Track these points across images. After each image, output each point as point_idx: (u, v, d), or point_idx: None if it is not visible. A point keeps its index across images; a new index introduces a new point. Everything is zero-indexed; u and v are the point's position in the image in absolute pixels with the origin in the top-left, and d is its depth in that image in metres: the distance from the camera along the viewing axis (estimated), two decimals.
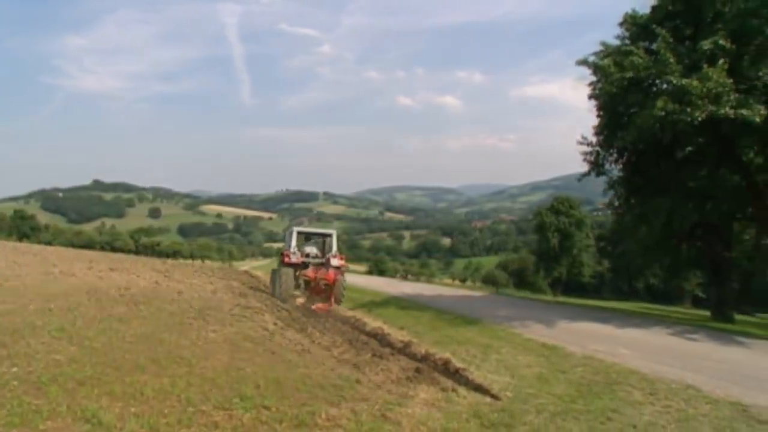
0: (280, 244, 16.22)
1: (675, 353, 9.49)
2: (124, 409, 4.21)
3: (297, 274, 15.78)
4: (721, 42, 12.13)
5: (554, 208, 55.77)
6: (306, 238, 17.98)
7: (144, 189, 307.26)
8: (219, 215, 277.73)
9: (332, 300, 14.99)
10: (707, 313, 22.59)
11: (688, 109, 11.84)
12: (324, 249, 17.01)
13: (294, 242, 16.11)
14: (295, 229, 17.33)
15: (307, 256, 16.28)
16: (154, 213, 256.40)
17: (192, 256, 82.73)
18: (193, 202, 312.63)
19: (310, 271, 15.28)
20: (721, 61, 11.95)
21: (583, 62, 16.02)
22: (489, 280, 60.49)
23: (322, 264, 15.72)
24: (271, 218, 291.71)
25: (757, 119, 11.65)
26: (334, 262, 15.54)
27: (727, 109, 11.62)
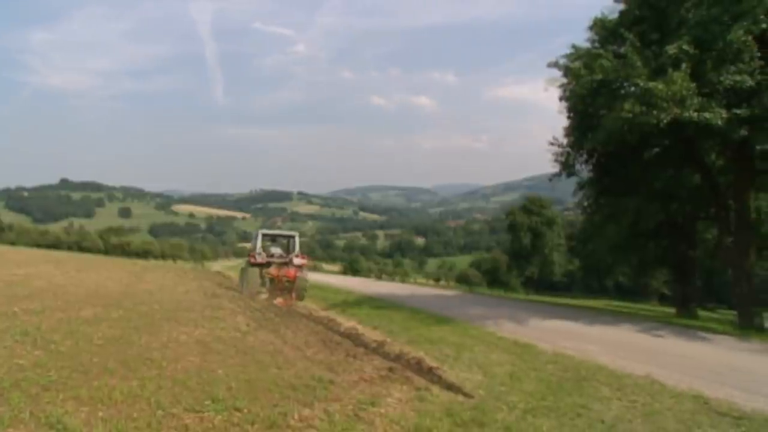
0: (261, 242, 17.51)
1: (641, 349, 9.76)
2: (90, 414, 4.12)
3: (262, 272, 17.09)
4: (685, 47, 12.51)
5: (526, 207, 56.76)
6: (272, 239, 19.71)
7: (114, 188, 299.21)
8: (191, 215, 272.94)
9: (293, 295, 16.40)
10: (673, 309, 23.30)
11: (654, 112, 12.17)
12: (288, 249, 18.68)
13: (259, 243, 17.59)
14: (261, 231, 18.75)
15: (272, 256, 17.63)
16: (125, 213, 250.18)
17: (163, 256, 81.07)
18: (165, 201, 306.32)
19: (273, 270, 16.77)
20: (684, 66, 12.32)
21: (554, 64, 16.34)
22: (462, 279, 61.15)
23: (285, 263, 17.15)
24: (244, 218, 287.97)
25: (719, 122, 12.06)
26: (296, 261, 17.19)
27: (691, 112, 11.99)
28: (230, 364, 6.20)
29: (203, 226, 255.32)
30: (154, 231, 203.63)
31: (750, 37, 12.25)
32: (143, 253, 75.26)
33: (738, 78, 12.11)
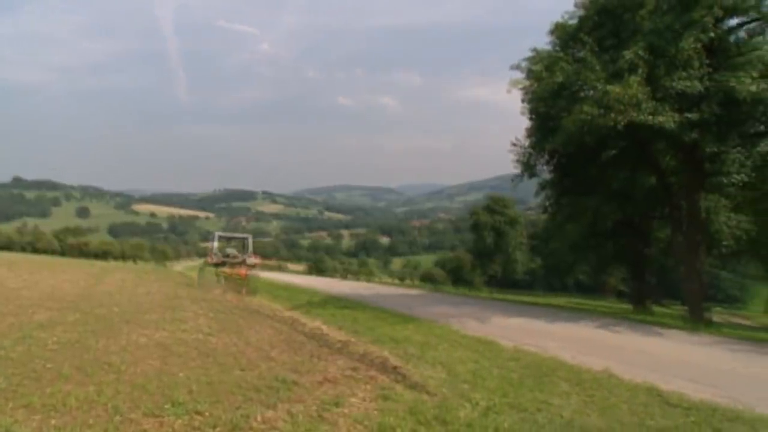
0: (218, 244, 19.19)
1: (599, 345, 10.08)
2: (42, 422, 3.97)
3: (218, 271, 18.81)
4: (641, 53, 13.00)
5: (489, 207, 57.70)
6: (227, 240, 22.10)
7: (71, 187, 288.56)
8: (153, 215, 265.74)
9: (244, 291, 17.53)
10: (629, 306, 24.13)
11: (611, 115, 12.59)
12: (243, 249, 20.54)
13: (216, 244, 19.77)
14: (217, 233, 20.94)
15: (227, 256, 19.54)
16: (83, 212, 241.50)
17: (124, 257, 78.69)
18: (126, 201, 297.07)
19: (227, 268, 18.65)
20: (640, 71, 12.79)
21: (517, 67, 16.70)
22: (427, 279, 61.61)
23: (239, 263, 18.94)
24: (208, 218, 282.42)
25: (671, 125, 12.58)
26: (249, 260, 19.19)
27: (645, 115, 12.46)
28: (192, 366, 6.09)
29: (165, 225, 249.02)
30: (114, 231, 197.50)
31: (699, 45, 12.83)
32: (102, 254, 72.92)
33: (688, 83, 12.66)
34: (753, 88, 12.29)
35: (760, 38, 14.00)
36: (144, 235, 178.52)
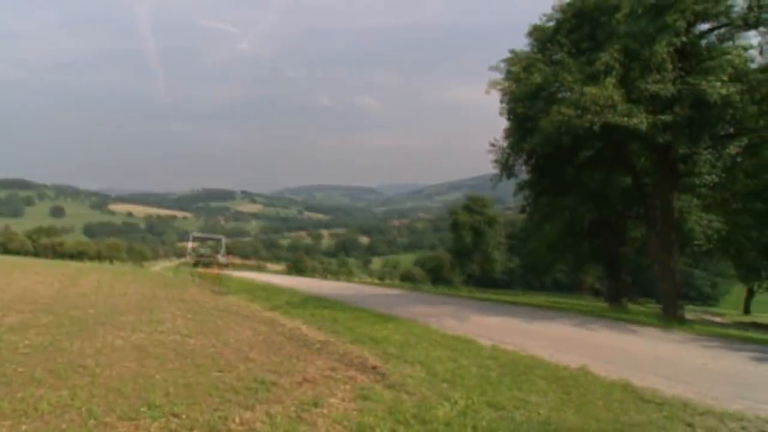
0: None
1: (576, 343, 10.23)
2: (12, 428, 3.88)
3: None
4: (616, 55, 13.25)
5: (468, 207, 58.12)
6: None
7: (45, 186, 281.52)
8: (130, 214, 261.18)
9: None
10: (606, 304, 24.55)
11: (588, 116, 12.80)
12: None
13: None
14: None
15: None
16: (57, 212, 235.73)
17: (100, 258, 77.20)
18: (102, 200, 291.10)
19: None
20: (615, 73, 13.04)
21: (495, 68, 16.84)
22: (407, 278, 61.79)
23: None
24: (185, 217, 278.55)
25: (644, 127, 12.85)
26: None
27: (620, 117, 12.70)
28: (169, 368, 6.01)
29: (142, 225, 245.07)
30: (90, 231, 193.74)
31: (672, 49, 13.13)
32: (77, 255, 71.41)
33: (661, 86, 12.94)
34: (723, 91, 12.63)
35: (730, 43, 14.39)
36: (120, 235, 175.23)
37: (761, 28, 13.79)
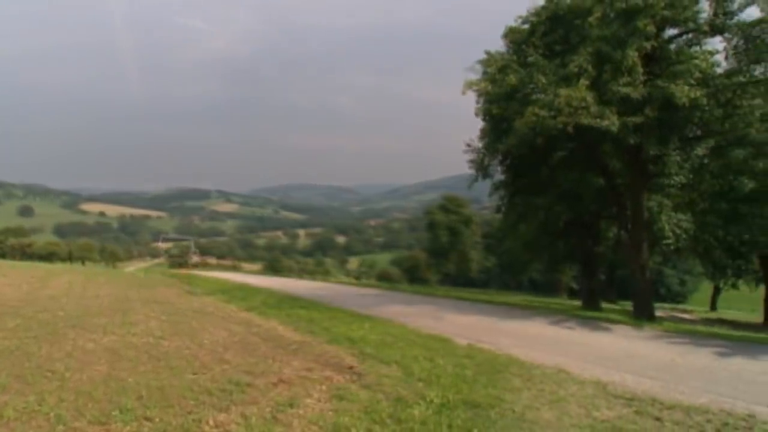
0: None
1: (551, 341, 10.40)
2: None
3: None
4: (588, 58, 13.52)
5: (444, 206, 58.53)
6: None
7: (13, 185, 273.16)
8: (102, 214, 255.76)
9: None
10: (580, 302, 24.98)
11: (561, 117, 13.04)
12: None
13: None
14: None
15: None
16: (26, 211, 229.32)
17: (71, 258, 75.41)
18: (73, 199, 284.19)
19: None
20: (587, 75, 13.31)
21: (471, 69, 17.02)
22: (383, 277, 61.93)
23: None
24: (160, 217, 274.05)
25: (614, 129, 13.14)
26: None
27: (592, 118, 12.97)
28: (142, 371, 5.91)
29: (115, 225, 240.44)
30: (60, 231, 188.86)
31: (642, 52, 13.46)
32: (47, 255, 69.75)
33: (631, 89, 13.25)
34: (691, 94, 12.99)
35: (697, 48, 14.82)
36: (93, 235, 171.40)
37: (726, 34, 14.25)
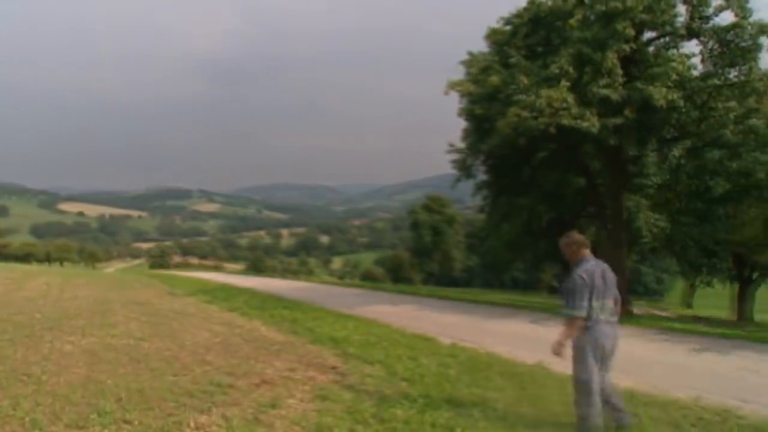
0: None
1: (533, 339, 10.49)
2: None
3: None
4: (569, 60, 13.71)
5: (428, 206, 58.78)
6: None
7: None
8: (81, 214, 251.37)
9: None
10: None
11: (543, 118, 13.20)
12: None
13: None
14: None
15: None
16: (2, 211, 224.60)
17: (49, 259, 74.00)
18: (50, 199, 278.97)
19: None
20: (568, 76, 13.50)
21: (454, 69, 17.14)
22: (367, 277, 61.96)
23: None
24: (141, 217, 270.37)
25: (594, 130, 13.35)
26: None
27: (572, 119, 13.15)
28: (121, 373, 5.84)
29: (95, 225, 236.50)
30: (38, 231, 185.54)
31: (622, 55, 13.70)
32: (24, 257, 68.38)
33: (611, 90, 13.47)
34: (668, 96, 13.26)
35: (674, 51, 15.12)
36: (71, 235, 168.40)
37: (702, 38, 14.57)
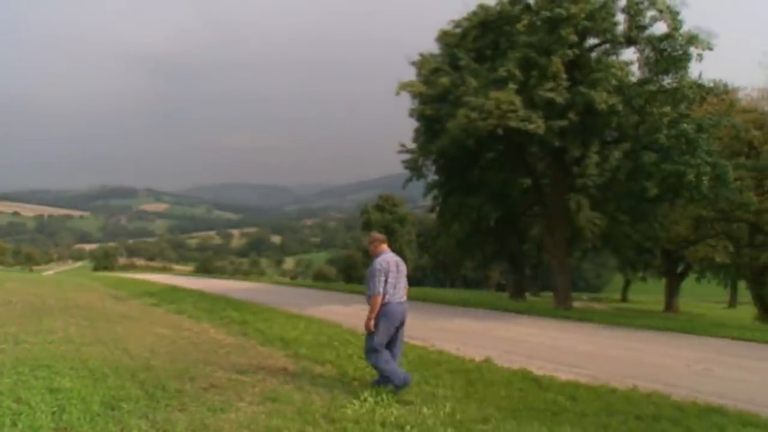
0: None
1: (481, 336, 10.78)
2: None
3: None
4: (516, 64, 14.15)
5: (380, 206, 58.98)
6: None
7: None
8: (16, 213, 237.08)
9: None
10: (510, 297, 26.02)
11: (491, 120, 13.56)
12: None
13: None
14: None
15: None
16: None
17: None
18: None
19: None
20: (515, 80, 13.94)
21: (405, 70, 17.32)
22: (319, 277, 61.55)
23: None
24: (82, 217, 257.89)
25: (539, 132, 13.83)
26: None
27: (518, 122, 13.59)
28: (58, 382, 5.55)
29: (32, 226, 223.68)
30: None
31: (566, 60, 14.25)
32: None
33: (555, 94, 13.99)
34: (609, 101, 13.91)
35: (614, 57, 15.87)
36: (5, 237, 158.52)
37: (638, 46, 15.35)
